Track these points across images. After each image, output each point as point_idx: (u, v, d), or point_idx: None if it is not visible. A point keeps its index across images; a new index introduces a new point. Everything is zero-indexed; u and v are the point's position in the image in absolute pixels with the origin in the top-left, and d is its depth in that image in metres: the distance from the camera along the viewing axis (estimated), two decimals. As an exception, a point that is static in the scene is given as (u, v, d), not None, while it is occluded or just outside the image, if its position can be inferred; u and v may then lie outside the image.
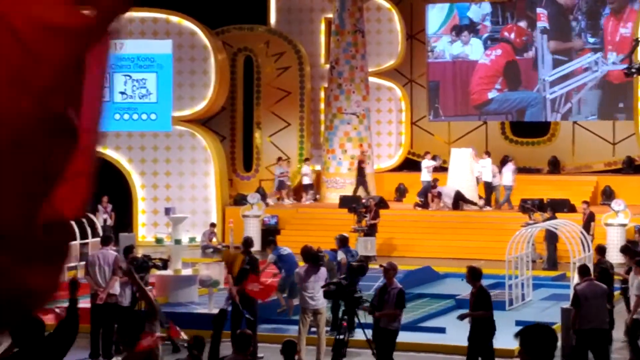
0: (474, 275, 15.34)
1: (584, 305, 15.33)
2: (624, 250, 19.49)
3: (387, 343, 14.90)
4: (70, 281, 8.48)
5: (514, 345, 17.21)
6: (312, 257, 16.74)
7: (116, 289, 17.02)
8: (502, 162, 35.36)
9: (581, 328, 15.27)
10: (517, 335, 5.78)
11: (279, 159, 35.87)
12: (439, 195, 33.06)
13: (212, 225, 33.32)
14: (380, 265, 15.91)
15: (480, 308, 15.15)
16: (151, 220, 34.91)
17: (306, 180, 35.79)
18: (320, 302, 16.23)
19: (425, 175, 34.21)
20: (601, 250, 19.29)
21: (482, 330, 15.12)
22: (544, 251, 27.79)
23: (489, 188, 33.30)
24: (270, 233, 32.55)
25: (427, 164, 34.43)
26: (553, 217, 26.50)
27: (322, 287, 15.84)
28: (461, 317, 15.78)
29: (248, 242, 17.84)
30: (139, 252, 20.27)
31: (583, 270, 16.11)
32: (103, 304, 16.78)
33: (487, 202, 33.25)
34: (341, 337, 15.23)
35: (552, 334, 5.92)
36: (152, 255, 18.97)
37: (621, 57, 34.72)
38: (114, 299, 16.95)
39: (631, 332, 15.35)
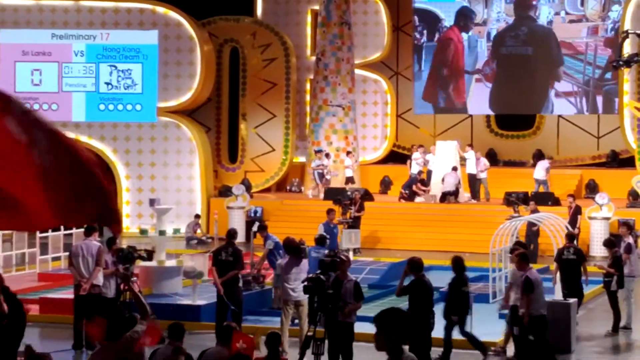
0: (413, 266, 15.25)
1: (535, 291, 15.45)
2: (608, 243, 19.55)
3: (347, 336, 14.88)
4: None
5: (496, 337, 17.28)
6: (294, 249, 16.72)
7: (99, 279, 16.96)
8: (488, 155, 35.52)
9: (532, 314, 15.34)
10: (374, 319, 6.24)
11: (317, 151, 35.56)
12: (426, 184, 33.21)
13: (197, 216, 33.29)
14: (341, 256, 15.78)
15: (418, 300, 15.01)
16: (135, 211, 34.85)
17: (348, 173, 35.30)
18: (302, 294, 16.20)
19: (415, 168, 34.28)
20: (571, 237, 19.52)
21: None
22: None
23: (472, 180, 33.40)
24: (252, 225, 32.60)
25: (416, 156, 34.48)
26: (535, 211, 26.56)
27: (302, 281, 15.80)
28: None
29: (231, 233, 17.80)
30: (124, 243, 20.24)
31: (525, 258, 16.11)
32: (86, 295, 16.75)
33: (473, 196, 33.33)
34: (310, 333, 15.17)
35: (407, 316, 6.37)
36: (137, 246, 18.92)
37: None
38: (97, 289, 16.89)
39: (537, 328, 15.36)
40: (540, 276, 16.14)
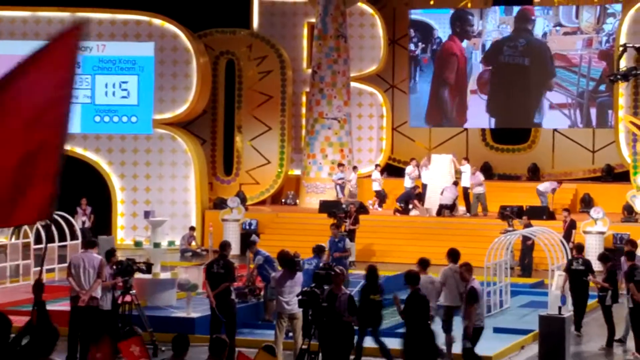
0: (410, 279, 15.10)
1: (479, 302, 15.42)
2: (602, 258, 19.54)
3: (344, 348, 14.88)
4: (35, 283, 8.43)
5: (492, 352, 17.26)
6: (288, 262, 16.68)
7: (98, 292, 16.94)
8: (483, 169, 35.54)
9: (476, 325, 15.32)
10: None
11: (339, 164, 35.54)
12: (420, 198, 33.22)
13: (192, 228, 33.27)
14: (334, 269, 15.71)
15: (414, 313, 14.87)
16: (130, 223, 34.81)
17: (376, 186, 35.17)
18: (296, 307, 16.16)
19: (408, 182, 34.28)
20: (579, 248, 19.54)
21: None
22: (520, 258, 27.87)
23: (467, 194, 33.42)
24: (250, 237, 32.54)
25: (409, 170, 34.49)
26: (529, 225, 26.57)
27: (297, 295, 15.77)
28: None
29: (223, 246, 17.75)
30: (119, 256, 20.19)
31: (469, 268, 15.99)
32: (84, 307, 16.67)
33: (468, 209, 33.34)
34: (304, 346, 15.13)
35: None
36: (135, 259, 18.93)
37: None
38: (95, 302, 16.81)
39: (474, 340, 15.33)
40: (481, 288, 15.98)
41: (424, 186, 33.95)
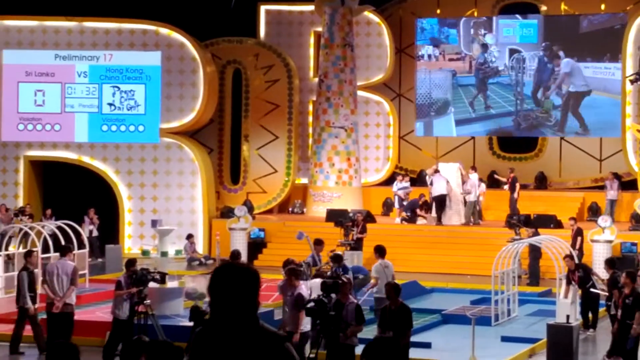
0: (395, 291, 14.93)
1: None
2: (609, 263, 19.53)
3: (348, 359, 14.81)
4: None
5: (499, 359, 17.23)
6: (290, 270, 16.61)
7: (72, 299, 17.47)
8: (490, 177, 35.54)
9: (302, 331, 15.44)
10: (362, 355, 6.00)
11: (399, 174, 35.46)
12: (428, 207, 33.20)
13: (189, 236, 33.09)
14: (344, 278, 15.68)
15: (403, 327, 14.56)
16: (137, 232, 34.83)
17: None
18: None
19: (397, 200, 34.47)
20: (612, 262, 19.46)
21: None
22: (527, 267, 27.83)
23: (472, 204, 33.31)
24: (256, 246, 32.59)
25: (398, 186, 34.49)
26: (536, 234, 26.54)
27: (305, 303, 15.73)
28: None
29: (235, 254, 17.78)
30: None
31: (295, 273, 16.00)
32: (59, 313, 17.18)
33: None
34: (312, 355, 15.11)
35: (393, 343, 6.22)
36: (150, 268, 19.01)
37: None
38: (70, 308, 17.44)
39: (301, 345, 15.34)
40: (308, 294, 15.78)
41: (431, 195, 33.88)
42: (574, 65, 37.16)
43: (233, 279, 4.91)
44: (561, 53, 37.22)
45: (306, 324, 15.43)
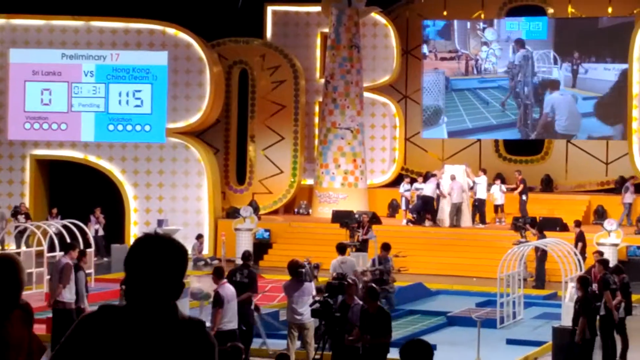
0: (371, 294, 14.52)
1: (225, 306, 15.56)
2: (615, 270, 19.49)
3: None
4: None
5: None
6: (294, 271, 16.58)
7: (64, 295, 17.61)
8: (496, 179, 35.50)
9: (221, 329, 15.43)
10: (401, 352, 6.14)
11: (409, 177, 35.57)
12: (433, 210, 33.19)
13: (199, 236, 33.15)
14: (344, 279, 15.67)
15: (380, 331, 14.21)
16: (143, 232, 34.78)
17: (499, 199, 33.88)
18: (306, 317, 16.11)
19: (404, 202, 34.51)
20: (604, 264, 19.44)
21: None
22: (534, 269, 27.78)
23: (481, 205, 33.34)
24: (262, 247, 32.59)
25: (405, 187, 34.49)
26: (542, 236, 26.51)
27: (310, 305, 15.74)
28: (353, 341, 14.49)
29: (246, 255, 17.79)
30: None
31: (219, 273, 16.19)
32: (60, 310, 17.47)
33: (482, 220, 33.27)
34: (317, 357, 15.10)
35: (429, 347, 6.36)
36: None
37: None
38: (60, 305, 17.62)
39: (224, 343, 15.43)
40: (233, 293, 15.69)
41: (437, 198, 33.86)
42: (561, 100, 36.77)
43: (153, 252, 4.04)
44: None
45: (227, 323, 15.41)
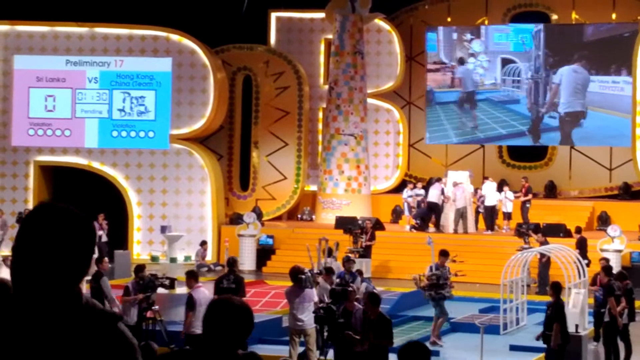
0: (372, 300, 14.61)
1: (196, 310, 15.74)
2: (619, 276, 19.46)
3: None
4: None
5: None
6: (294, 277, 16.57)
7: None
8: (499, 186, 35.48)
9: (192, 332, 15.66)
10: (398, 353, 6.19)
11: (412, 182, 35.53)
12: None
13: (203, 243, 33.15)
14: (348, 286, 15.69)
15: (381, 337, 14.27)
16: (146, 238, 34.85)
17: (508, 207, 33.61)
18: (307, 323, 16.09)
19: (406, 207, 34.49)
20: (608, 270, 19.41)
21: None
22: (537, 275, 27.76)
23: (490, 212, 33.26)
24: (265, 253, 32.60)
25: (408, 193, 34.48)
26: (545, 242, 26.49)
27: (314, 311, 15.74)
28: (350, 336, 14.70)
29: (231, 262, 17.85)
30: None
31: (192, 275, 16.82)
32: None
33: (490, 227, 33.21)
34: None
35: (426, 350, 6.39)
36: (158, 274, 19.02)
37: None
38: None
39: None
40: (207, 297, 15.69)
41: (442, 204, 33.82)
42: (572, 75, 36.89)
43: (44, 222, 3.18)
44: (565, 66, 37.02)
45: (199, 327, 15.42)
